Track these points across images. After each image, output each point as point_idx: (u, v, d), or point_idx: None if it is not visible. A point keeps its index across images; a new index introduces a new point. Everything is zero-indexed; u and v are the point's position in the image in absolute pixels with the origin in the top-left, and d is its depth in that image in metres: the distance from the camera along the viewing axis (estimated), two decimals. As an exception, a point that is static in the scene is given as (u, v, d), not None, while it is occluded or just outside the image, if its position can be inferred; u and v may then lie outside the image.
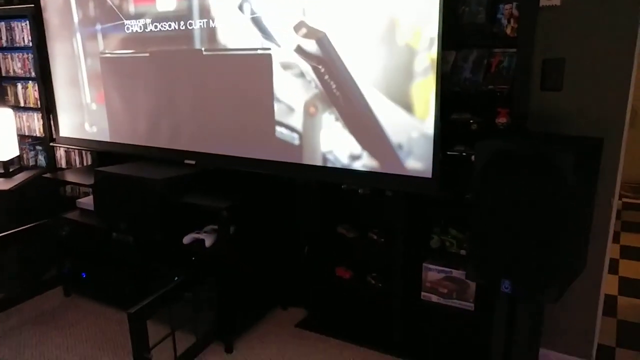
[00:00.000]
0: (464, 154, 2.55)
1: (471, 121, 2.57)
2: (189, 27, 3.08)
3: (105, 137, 3.69)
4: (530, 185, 1.85)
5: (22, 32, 4.04)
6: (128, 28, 3.33)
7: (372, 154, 2.70)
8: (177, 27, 3.13)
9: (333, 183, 3.00)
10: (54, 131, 4.02)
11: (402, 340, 2.95)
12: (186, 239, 2.96)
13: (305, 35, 2.75)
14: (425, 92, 2.48)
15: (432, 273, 2.83)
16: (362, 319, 3.17)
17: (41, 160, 4.28)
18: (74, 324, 3.21)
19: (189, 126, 3.27)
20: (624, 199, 5.60)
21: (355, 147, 2.74)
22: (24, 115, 4.24)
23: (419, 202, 2.82)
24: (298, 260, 3.35)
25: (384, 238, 2.98)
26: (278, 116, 2.92)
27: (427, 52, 2.43)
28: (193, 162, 3.29)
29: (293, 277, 3.40)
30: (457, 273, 2.73)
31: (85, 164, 4.13)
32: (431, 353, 2.85)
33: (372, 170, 2.71)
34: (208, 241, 2.91)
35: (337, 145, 2.79)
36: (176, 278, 2.71)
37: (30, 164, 4.33)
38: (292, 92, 2.85)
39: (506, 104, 2.46)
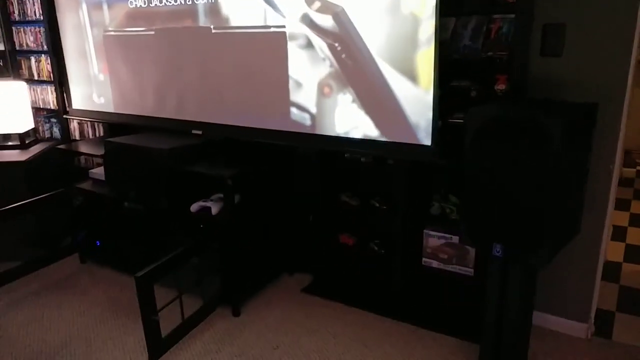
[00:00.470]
0: (462, 121, 2.55)
1: (471, 88, 2.58)
2: (195, 2, 3.09)
3: (113, 108, 3.77)
4: (520, 150, 1.87)
5: (34, 6, 4.10)
6: (131, 2, 3.36)
7: (387, 132, 2.67)
8: (182, 1, 3.14)
9: (335, 151, 3.04)
10: (66, 103, 4.11)
11: (404, 304, 3.03)
12: (194, 207, 3.05)
13: (319, 10, 2.69)
14: (428, 61, 2.46)
15: (433, 239, 2.88)
16: (365, 284, 3.26)
17: (56, 132, 4.39)
18: (89, 289, 3.36)
19: (197, 99, 3.33)
20: (638, 167, 5.53)
21: (370, 128, 2.70)
22: (38, 88, 4.34)
23: (420, 169, 2.85)
24: (303, 228, 3.43)
25: (385, 205, 3.03)
26: (291, 96, 2.91)
27: (430, 20, 2.40)
28: (200, 132, 3.35)
29: (299, 244, 3.48)
30: (457, 239, 2.78)
31: (98, 135, 4.23)
32: (430, 317, 2.93)
33: (374, 139, 2.73)
34: (214, 209, 3.00)
35: (352, 126, 2.76)
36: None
37: (46, 136, 4.45)
38: (305, 71, 2.82)
39: (505, 71, 2.46)
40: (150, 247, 3.28)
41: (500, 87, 2.46)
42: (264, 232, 3.26)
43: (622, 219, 4.25)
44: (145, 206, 3.28)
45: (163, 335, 2.59)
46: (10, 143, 4.01)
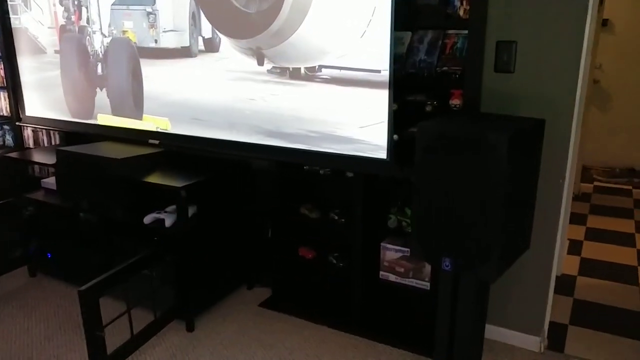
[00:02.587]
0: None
1: (427, 102, 2.59)
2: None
3: (68, 116, 3.68)
4: (467, 165, 1.87)
5: (-13, 9, 3.97)
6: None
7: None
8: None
9: (293, 164, 3.01)
10: (20, 110, 3.99)
11: (361, 319, 3.00)
12: (147, 219, 2.97)
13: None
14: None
15: (390, 252, 2.87)
16: (324, 299, 3.22)
17: (9, 140, 4.25)
18: (37, 304, 3.23)
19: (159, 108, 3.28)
20: (595, 183, 5.67)
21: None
22: (-9, 95, 4.21)
23: (377, 182, 2.85)
24: (262, 240, 3.38)
25: (344, 218, 3.01)
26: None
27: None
28: (157, 142, 3.29)
29: (258, 257, 3.43)
30: (413, 253, 2.77)
31: (53, 143, 4.11)
32: (388, 331, 2.91)
33: (331, 151, 2.72)
34: (168, 221, 2.93)
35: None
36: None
37: (-1, 144, 4.31)
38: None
39: (460, 86, 2.48)
40: (105, 260, 3.18)
41: (455, 101, 2.48)
42: (221, 245, 3.20)
43: (579, 233, 4.33)
44: (99, 217, 3.18)
45: (109, 352, 2.50)
46: (-42, 151, 3.87)
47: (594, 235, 4.32)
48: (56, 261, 3.50)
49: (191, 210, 2.97)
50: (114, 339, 2.57)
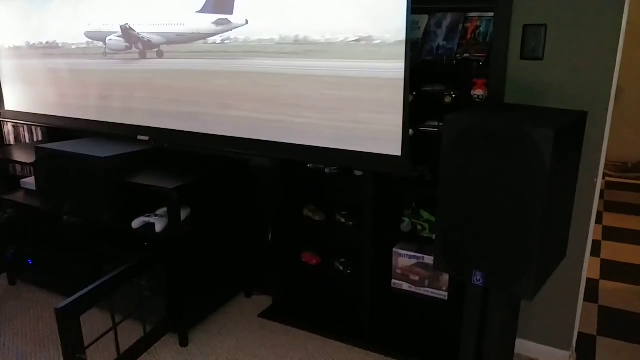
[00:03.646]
0: (436, 130, 2.31)
1: (445, 93, 2.34)
2: None
3: (53, 111, 3.40)
4: (503, 165, 1.62)
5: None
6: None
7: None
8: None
9: (297, 161, 2.75)
10: (-1, 105, 3.70)
11: (371, 331, 2.75)
12: (135, 223, 2.70)
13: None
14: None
15: (403, 259, 2.62)
16: (330, 308, 2.98)
17: (-12, 136, 3.96)
18: (15, 316, 2.96)
19: (145, 102, 2.99)
20: (607, 178, 5.45)
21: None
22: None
23: (389, 181, 2.59)
24: (262, 245, 3.12)
25: (352, 221, 2.75)
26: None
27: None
28: (146, 138, 3.02)
29: (257, 263, 3.17)
30: (429, 259, 2.52)
31: (35, 140, 3.83)
32: (401, 345, 2.66)
33: (340, 148, 2.45)
34: (159, 226, 2.66)
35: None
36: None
37: (-23, 141, 4.01)
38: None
39: (483, 74, 2.22)
40: (90, 267, 2.91)
41: (478, 92, 2.22)
42: (217, 250, 2.93)
43: (596, 232, 4.07)
44: (83, 220, 2.91)
45: (93, 375, 2.24)
46: None
47: (612, 234, 4.10)
48: (37, 268, 3.22)
49: (184, 214, 2.70)
50: (98, 357, 2.31)
